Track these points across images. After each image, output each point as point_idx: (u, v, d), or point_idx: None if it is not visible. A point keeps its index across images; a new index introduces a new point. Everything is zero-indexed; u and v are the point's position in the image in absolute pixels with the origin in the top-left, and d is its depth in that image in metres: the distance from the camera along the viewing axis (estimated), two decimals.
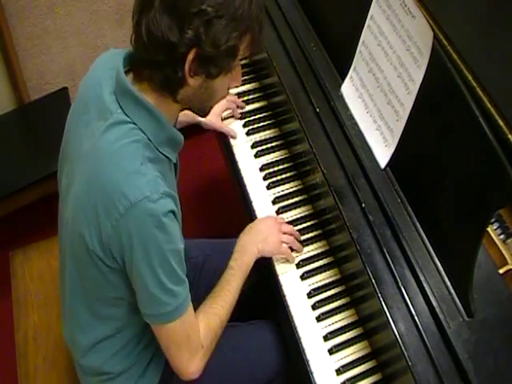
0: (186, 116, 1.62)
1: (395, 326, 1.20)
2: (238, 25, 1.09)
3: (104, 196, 1.11)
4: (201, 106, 1.22)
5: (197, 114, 1.26)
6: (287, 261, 1.46)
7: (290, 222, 1.51)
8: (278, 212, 1.53)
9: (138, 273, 1.14)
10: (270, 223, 1.47)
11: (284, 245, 1.45)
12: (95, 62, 1.27)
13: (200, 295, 1.60)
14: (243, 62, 1.80)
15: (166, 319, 1.19)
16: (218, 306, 1.33)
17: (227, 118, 1.71)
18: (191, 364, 1.26)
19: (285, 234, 1.46)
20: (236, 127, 1.69)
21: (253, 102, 1.74)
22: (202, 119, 1.64)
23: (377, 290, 1.24)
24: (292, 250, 1.47)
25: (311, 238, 1.49)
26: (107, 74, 1.19)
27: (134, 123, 1.14)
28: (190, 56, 1.08)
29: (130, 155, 1.12)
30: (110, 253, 1.14)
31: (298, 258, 1.46)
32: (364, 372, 1.31)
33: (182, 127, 1.63)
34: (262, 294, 1.56)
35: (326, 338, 1.35)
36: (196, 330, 1.26)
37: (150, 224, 1.10)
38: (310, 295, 1.41)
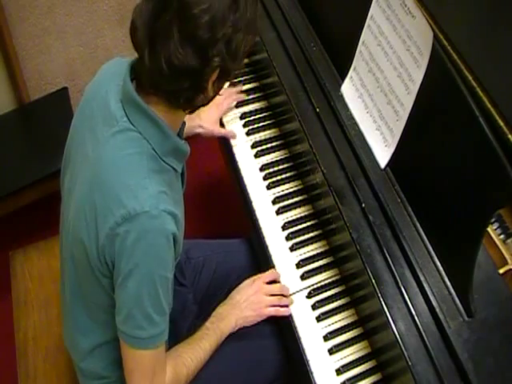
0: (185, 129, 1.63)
1: (395, 325, 1.20)
2: (250, 29, 1.09)
3: (104, 204, 1.10)
4: (204, 103, 1.19)
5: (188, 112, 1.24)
6: (287, 261, 1.46)
7: (289, 222, 1.51)
8: (278, 212, 1.53)
9: (122, 286, 1.12)
10: (250, 292, 1.41)
11: (268, 308, 1.40)
12: (101, 69, 1.26)
13: (200, 296, 1.61)
14: (243, 61, 1.82)
15: (137, 344, 1.16)
16: (187, 357, 1.29)
17: (228, 121, 1.71)
18: None
19: (270, 294, 1.41)
20: (236, 127, 1.69)
21: (253, 102, 1.74)
22: (200, 130, 1.64)
23: (377, 290, 1.24)
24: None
25: (311, 237, 1.49)
26: (113, 81, 1.18)
27: (140, 132, 1.12)
28: (214, 76, 1.08)
29: (134, 167, 1.11)
30: (104, 259, 1.13)
31: (298, 258, 1.46)
32: (364, 372, 1.31)
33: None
34: None
35: (326, 337, 1.35)
36: (163, 370, 1.22)
37: (144, 240, 1.08)
38: (309, 295, 1.41)
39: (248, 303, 1.40)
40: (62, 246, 1.29)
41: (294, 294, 1.41)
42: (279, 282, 1.43)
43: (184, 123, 1.24)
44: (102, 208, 1.10)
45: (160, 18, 1.03)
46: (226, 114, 1.71)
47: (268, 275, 1.44)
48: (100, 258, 1.13)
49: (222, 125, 1.69)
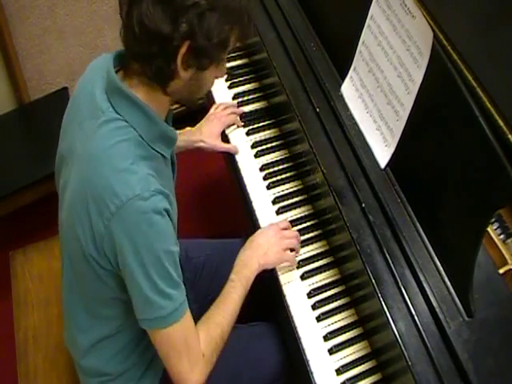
0: (185, 142, 1.63)
1: (395, 325, 1.20)
2: (230, 17, 1.08)
3: (96, 196, 1.10)
4: (190, 97, 1.21)
5: (186, 105, 1.26)
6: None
7: (290, 222, 1.51)
8: (278, 212, 1.53)
9: (130, 274, 1.13)
10: (271, 234, 1.44)
11: (288, 253, 1.43)
12: (88, 66, 1.27)
13: (200, 296, 1.60)
14: (243, 61, 1.82)
15: (161, 324, 1.16)
16: (219, 316, 1.31)
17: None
18: (192, 374, 1.21)
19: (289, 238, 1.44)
20: (236, 127, 1.69)
21: (253, 102, 1.74)
22: (202, 145, 1.64)
23: (377, 290, 1.24)
24: (291, 250, 1.46)
25: (311, 237, 1.49)
26: (99, 75, 1.19)
27: (126, 120, 1.13)
28: (183, 49, 1.07)
29: (121, 154, 1.12)
30: (103, 253, 1.13)
31: (298, 258, 1.46)
32: (364, 372, 1.31)
33: (179, 152, 1.64)
34: (263, 296, 1.56)
35: (326, 337, 1.35)
36: (195, 338, 1.22)
37: (142, 222, 1.09)
38: (310, 295, 1.41)
39: (269, 245, 1.42)
40: (60, 245, 1.29)
41: (294, 294, 1.42)
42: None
43: (171, 110, 1.25)
44: (94, 200, 1.10)
45: None
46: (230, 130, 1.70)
47: (283, 223, 1.47)
48: (99, 250, 1.13)
49: (223, 131, 1.69)
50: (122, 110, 1.14)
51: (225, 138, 1.68)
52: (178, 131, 1.64)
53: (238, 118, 1.70)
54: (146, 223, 1.09)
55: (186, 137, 1.65)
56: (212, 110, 1.70)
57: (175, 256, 1.17)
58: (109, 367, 1.33)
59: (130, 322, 1.26)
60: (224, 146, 1.65)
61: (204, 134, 1.64)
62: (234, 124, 1.70)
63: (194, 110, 1.67)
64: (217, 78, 1.21)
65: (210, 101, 1.76)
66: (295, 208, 1.54)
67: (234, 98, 1.75)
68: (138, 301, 1.16)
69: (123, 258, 1.12)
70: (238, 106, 1.73)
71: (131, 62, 1.14)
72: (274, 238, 1.43)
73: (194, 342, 1.22)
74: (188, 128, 1.68)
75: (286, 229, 1.47)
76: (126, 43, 1.12)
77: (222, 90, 1.76)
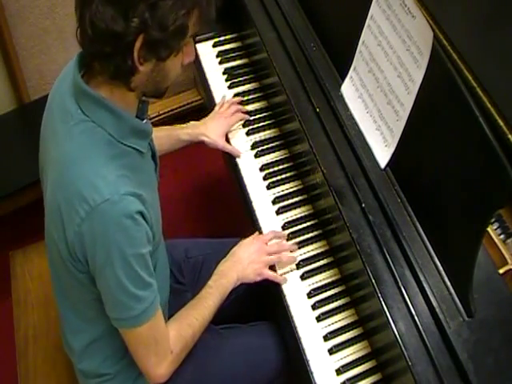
0: (189, 135, 1.62)
1: (395, 325, 1.20)
2: (185, 2, 1.04)
3: (66, 201, 1.10)
4: (156, 89, 1.17)
5: (153, 97, 1.21)
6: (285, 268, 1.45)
7: (289, 222, 1.51)
8: (278, 212, 1.53)
9: (101, 276, 1.13)
10: (252, 250, 1.44)
11: (268, 270, 1.43)
12: (62, 70, 1.27)
13: None
14: (243, 61, 1.82)
15: (131, 323, 1.18)
16: (192, 317, 1.32)
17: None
18: (159, 368, 1.25)
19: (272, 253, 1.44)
20: (236, 127, 1.69)
21: (253, 102, 1.74)
22: (204, 138, 1.63)
23: (377, 290, 1.24)
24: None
25: (311, 237, 1.49)
26: (68, 79, 1.18)
27: (93, 121, 1.13)
28: (138, 43, 1.05)
29: (91, 158, 1.11)
30: (76, 256, 1.13)
31: (298, 258, 1.46)
32: (364, 372, 1.31)
33: (184, 146, 1.63)
34: (262, 296, 1.56)
35: (326, 337, 1.35)
36: (165, 335, 1.25)
37: (111, 227, 1.08)
38: (310, 295, 1.41)
39: (250, 261, 1.42)
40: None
41: (294, 294, 1.42)
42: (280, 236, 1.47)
43: (144, 103, 1.22)
44: (65, 206, 1.10)
45: None
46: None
47: (268, 235, 1.47)
48: (72, 255, 1.14)
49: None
50: (89, 112, 1.13)
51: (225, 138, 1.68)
52: (181, 125, 1.64)
53: (244, 114, 1.69)
54: (116, 228, 1.09)
55: (191, 130, 1.63)
56: (217, 108, 1.69)
57: (146, 257, 1.16)
58: (106, 368, 1.34)
59: None
60: (227, 147, 1.64)
61: (208, 129, 1.63)
62: (241, 120, 1.69)
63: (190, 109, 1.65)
64: (185, 63, 1.17)
65: (210, 101, 1.76)
66: (295, 208, 1.54)
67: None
68: (107, 300, 1.18)
69: (93, 262, 1.12)
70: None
71: (92, 62, 1.13)
72: (255, 254, 1.43)
73: (163, 339, 1.24)
74: (192, 122, 1.68)
75: (274, 238, 1.46)
76: (82, 45, 1.12)
77: (221, 90, 1.76)
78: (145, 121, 1.23)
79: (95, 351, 1.32)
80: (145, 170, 1.24)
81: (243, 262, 1.42)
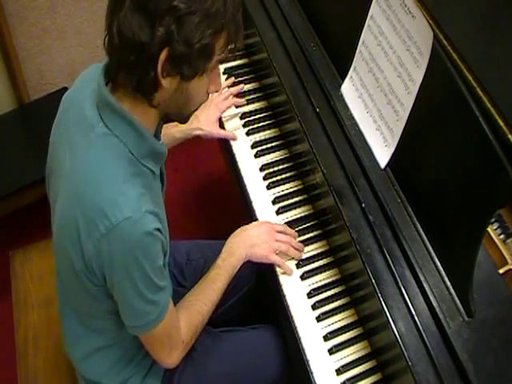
0: (183, 132, 1.61)
1: (395, 325, 1.20)
2: (212, 22, 1.04)
3: (85, 215, 1.09)
4: (179, 111, 1.17)
5: (177, 121, 1.23)
6: (287, 260, 1.46)
7: (289, 222, 1.51)
8: (278, 212, 1.53)
9: (119, 289, 1.14)
10: (264, 230, 1.45)
11: (276, 255, 1.43)
12: (78, 77, 1.25)
13: None
14: (243, 61, 1.82)
15: (149, 327, 1.19)
16: (201, 303, 1.34)
17: (227, 120, 1.71)
18: (170, 357, 1.29)
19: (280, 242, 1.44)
20: (236, 127, 1.69)
21: (253, 102, 1.74)
22: (200, 132, 1.63)
23: (377, 290, 1.24)
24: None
25: (311, 237, 1.49)
26: (89, 87, 1.16)
27: (116, 136, 1.11)
28: (162, 56, 1.03)
29: (112, 174, 1.10)
30: (92, 270, 1.13)
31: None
32: (364, 372, 1.31)
33: (179, 143, 1.63)
34: (263, 299, 1.56)
35: (326, 337, 1.35)
36: (177, 329, 1.28)
37: (132, 245, 1.08)
38: (310, 295, 1.41)
39: (260, 240, 1.43)
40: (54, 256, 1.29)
41: (294, 294, 1.42)
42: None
43: (160, 124, 1.22)
44: (83, 221, 1.09)
45: None
46: (225, 115, 1.70)
47: (279, 226, 1.47)
48: (88, 268, 1.13)
49: (221, 126, 1.69)
50: (112, 125, 1.11)
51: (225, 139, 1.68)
52: (172, 123, 1.64)
53: (236, 98, 1.70)
54: (137, 245, 1.09)
55: (184, 126, 1.62)
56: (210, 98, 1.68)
57: (161, 267, 1.18)
58: (108, 378, 1.34)
59: (123, 333, 1.26)
60: (222, 133, 1.65)
61: (201, 122, 1.63)
62: (233, 104, 1.69)
63: None
64: (210, 91, 1.17)
65: None
66: (295, 208, 1.54)
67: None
68: (125, 310, 1.18)
69: (111, 276, 1.12)
70: (238, 106, 1.72)
71: (118, 73, 1.11)
72: (266, 235, 1.44)
73: (176, 332, 1.27)
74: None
75: (281, 232, 1.46)
76: (108, 53, 1.10)
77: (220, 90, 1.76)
78: (161, 141, 1.22)
79: (98, 361, 1.33)
80: (156, 190, 1.23)
81: (253, 240, 1.43)
